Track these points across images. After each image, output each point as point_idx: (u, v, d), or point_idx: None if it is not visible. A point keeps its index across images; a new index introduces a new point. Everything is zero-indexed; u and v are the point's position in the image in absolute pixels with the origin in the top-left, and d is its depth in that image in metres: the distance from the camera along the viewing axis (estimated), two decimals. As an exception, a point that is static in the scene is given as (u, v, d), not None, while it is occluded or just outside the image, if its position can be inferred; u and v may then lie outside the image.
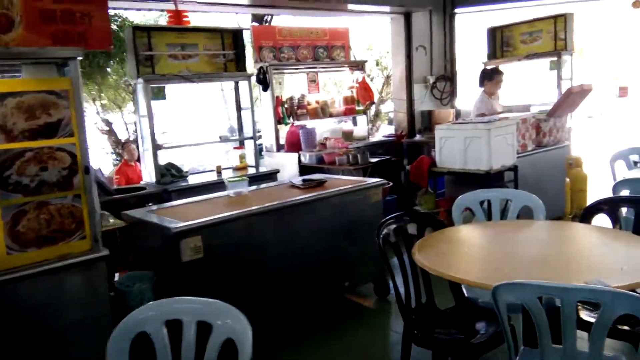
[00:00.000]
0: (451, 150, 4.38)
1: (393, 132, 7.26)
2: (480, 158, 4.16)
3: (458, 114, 6.71)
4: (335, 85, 8.67)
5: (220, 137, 5.12)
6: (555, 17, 6.02)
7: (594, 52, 19.67)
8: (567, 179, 5.25)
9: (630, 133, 7.68)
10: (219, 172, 4.90)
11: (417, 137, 6.50)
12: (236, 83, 5.22)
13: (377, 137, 7.59)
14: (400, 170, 5.90)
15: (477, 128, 4.16)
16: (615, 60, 18.43)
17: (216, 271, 2.90)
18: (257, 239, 3.12)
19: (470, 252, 2.52)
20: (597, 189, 5.26)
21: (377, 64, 9.44)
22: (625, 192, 3.10)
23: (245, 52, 5.16)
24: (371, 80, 9.36)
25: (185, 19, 4.93)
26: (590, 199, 5.63)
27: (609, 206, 2.60)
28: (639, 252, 2.20)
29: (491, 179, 4.24)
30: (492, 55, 6.70)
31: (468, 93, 6.85)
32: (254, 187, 3.85)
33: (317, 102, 6.44)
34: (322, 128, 6.39)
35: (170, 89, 4.69)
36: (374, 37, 9.45)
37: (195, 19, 5.60)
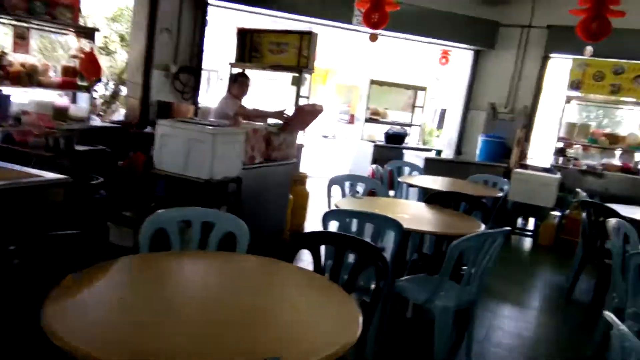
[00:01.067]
0: (172, 151, 3.75)
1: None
2: (202, 165, 3.64)
3: (201, 112, 6.15)
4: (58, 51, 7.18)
5: None
6: (301, 34, 5.99)
7: (336, 78, 21.67)
8: (291, 196, 5.17)
9: (352, 158, 8.31)
10: None
11: (148, 129, 5.68)
12: None
13: (104, 122, 6.46)
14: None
15: (202, 131, 3.62)
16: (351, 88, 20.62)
17: None
18: None
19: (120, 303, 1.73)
20: (318, 208, 5.34)
21: (123, 39, 8.19)
22: (333, 222, 2.94)
23: None
24: (108, 55, 8.09)
25: None
26: (310, 217, 5.76)
27: (310, 242, 2.32)
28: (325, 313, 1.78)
29: (212, 189, 3.76)
30: (240, 58, 6.35)
31: (213, 91, 6.39)
32: None
33: (24, 66, 5.04)
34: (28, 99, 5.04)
35: None
36: (123, 8, 8.21)
37: None
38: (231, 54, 6.39)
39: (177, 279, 2.06)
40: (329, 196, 4.08)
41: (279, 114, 4.97)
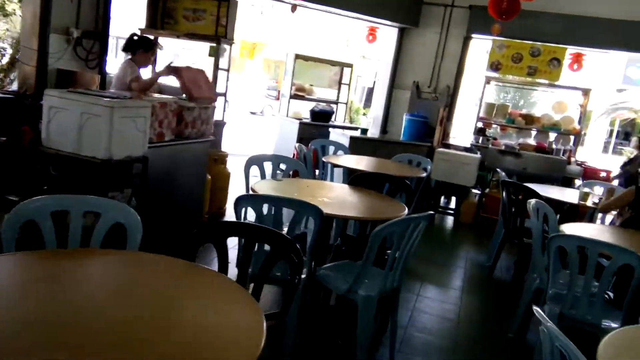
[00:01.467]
0: (63, 126, 3.23)
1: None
2: (97, 143, 3.16)
3: (108, 82, 5.52)
4: None
5: None
6: (219, 0, 5.50)
7: (265, 53, 20.97)
8: (209, 176, 4.77)
9: (276, 136, 7.96)
10: None
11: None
12: None
13: (-6, 91, 5.65)
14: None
15: (97, 103, 3.13)
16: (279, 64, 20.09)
17: None
18: None
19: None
20: (240, 189, 4.99)
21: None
22: (247, 208, 2.62)
23: None
24: (5, 16, 7.13)
25: None
26: (231, 199, 5.38)
27: (215, 235, 1.99)
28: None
29: (112, 170, 3.29)
30: (152, 24, 5.76)
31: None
32: None
33: None
34: None
35: None
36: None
37: None
38: (141, 20, 5.77)
39: (55, 287, 1.55)
40: (246, 178, 3.74)
41: (167, 70, 4.38)
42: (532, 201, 3.42)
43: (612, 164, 9.94)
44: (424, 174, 4.49)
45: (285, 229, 2.78)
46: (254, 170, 3.86)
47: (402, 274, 2.81)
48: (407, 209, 3.01)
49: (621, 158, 11.20)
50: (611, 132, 18.51)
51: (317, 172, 5.18)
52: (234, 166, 5.46)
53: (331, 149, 5.50)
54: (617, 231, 3.55)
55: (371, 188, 3.59)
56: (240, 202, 2.56)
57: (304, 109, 8.09)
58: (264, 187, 3.14)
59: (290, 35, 21.14)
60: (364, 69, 21.33)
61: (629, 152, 9.96)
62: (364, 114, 13.03)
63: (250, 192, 2.94)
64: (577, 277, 2.76)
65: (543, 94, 9.54)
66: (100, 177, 3.25)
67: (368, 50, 20.40)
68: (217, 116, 5.79)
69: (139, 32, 5.62)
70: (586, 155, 8.99)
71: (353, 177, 3.64)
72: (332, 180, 5.03)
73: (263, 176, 3.86)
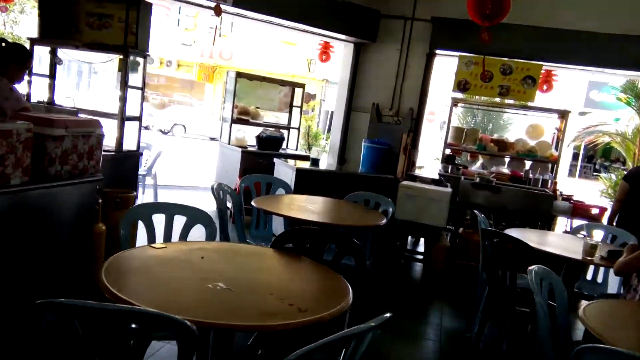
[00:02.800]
0: None
1: None
2: None
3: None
4: None
5: None
6: (128, 3, 4.34)
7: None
8: (103, 227, 3.55)
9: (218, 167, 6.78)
10: None
11: None
12: None
13: None
14: None
15: None
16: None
17: None
18: None
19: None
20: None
21: None
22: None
23: None
24: None
25: None
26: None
27: None
28: None
29: None
30: (47, 32, 4.54)
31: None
32: None
33: None
34: None
35: None
36: None
37: None
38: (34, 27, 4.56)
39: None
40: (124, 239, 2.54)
41: None
42: (534, 269, 2.33)
43: (590, 192, 9.18)
44: (383, 221, 3.38)
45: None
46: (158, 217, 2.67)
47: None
48: (348, 295, 1.87)
49: (593, 183, 10.49)
50: (575, 155, 18.06)
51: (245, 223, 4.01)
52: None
53: (269, 186, 4.33)
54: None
55: (308, 250, 2.45)
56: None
57: (251, 135, 6.97)
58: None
59: (250, 58, 20.15)
60: (328, 92, 20.48)
61: (606, 178, 9.20)
62: (327, 139, 11.89)
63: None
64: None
65: (514, 116, 8.73)
66: None
67: (332, 73, 19.60)
68: (130, 145, 4.60)
69: (29, 45, 4.43)
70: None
71: (279, 236, 2.48)
72: (268, 231, 3.88)
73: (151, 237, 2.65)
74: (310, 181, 4.99)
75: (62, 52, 4.67)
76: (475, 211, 3.94)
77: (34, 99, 4.56)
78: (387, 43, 6.82)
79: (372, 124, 6.57)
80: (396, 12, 6.74)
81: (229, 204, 4.51)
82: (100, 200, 3.60)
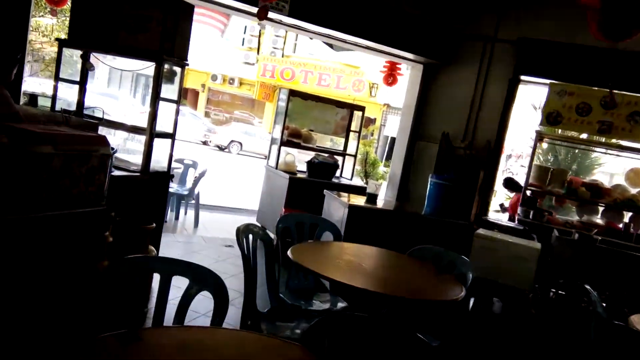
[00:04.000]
0: None
1: None
2: None
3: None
4: None
5: None
6: (165, 4, 3.73)
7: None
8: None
9: (262, 194, 6.07)
10: None
11: None
12: None
13: None
14: None
15: None
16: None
17: None
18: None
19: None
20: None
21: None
22: None
23: None
24: None
25: None
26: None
27: None
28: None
29: None
30: (79, 35, 4.01)
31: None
32: None
33: None
34: None
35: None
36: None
37: None
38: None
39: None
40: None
41: None
42: None
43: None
44: (461, 294, 2.46)
45: None
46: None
47: None
48: None
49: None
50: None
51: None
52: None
53: (315, 228, 3.50)
54: None
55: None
56: None
57: (302, 160, 6.24)
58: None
59: (311, 79, 19.71)
60: (389, 117, 19.59)
61: None
62: (386, 166, 10.85)
63: None
64: None
65: (604, 156, 7.51)
66: None
67: (394, 98, 18.73)
68: (159, 162, 3.96)
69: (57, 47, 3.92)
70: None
71: (312, 326, 1.64)
72: (309, 282, 3.03)
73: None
74: (365, 221, 4.13)
75: (94, 58, 4.13)
76: (587, 287, 2.90)
77: (58, 107, 4.03)
78: (461, 65, 5.91)
79: (441, 156, 5.64)
80: (474, 30, 5.84)
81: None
82: (107, 234, 2.93)
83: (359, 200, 4.52)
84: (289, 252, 2.60)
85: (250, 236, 2.67)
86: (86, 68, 4.00)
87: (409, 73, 6.24)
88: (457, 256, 2.96)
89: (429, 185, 5.01)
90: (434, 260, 3.01)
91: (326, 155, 6.17)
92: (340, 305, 2.93)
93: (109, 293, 1.99)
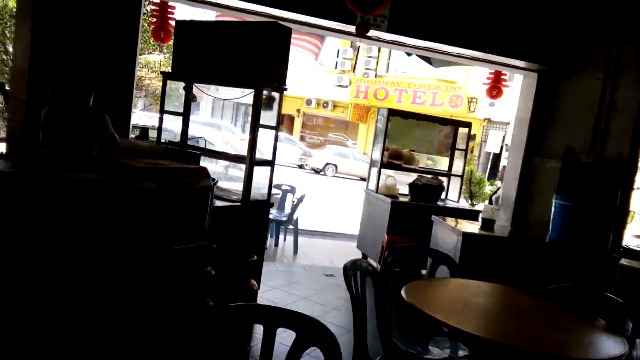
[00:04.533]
0: None
1: None
2: None
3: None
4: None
5: None
6: (263, 29, 3.64)
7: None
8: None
9: (362, 218, 5.78)
10: None
11: None
12: None
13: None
14: None
15: None
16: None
17: None
18: None
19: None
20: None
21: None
22: None
23: None
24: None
25: None
26: None
27: None
28: None
29: None
30: (183, 66, 4.08)
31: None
32: None
33: None
34: None
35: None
36: None
37: None
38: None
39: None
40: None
41: None
42: None
43: None
44: (623, 350, 1.96)
45: None
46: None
47: None
48: None
49: None
50: None
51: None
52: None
53: (426, 260, 3.14)
54: None
55: None
56: None
57: (403, 182, 5.89)
58: None
59: (405, 98, 19.27)
60: (490, 133, 18.47)
61: None
62: (494, 187, 10.00)
63: None
64: None
65: None
66: None
67: (495, 112, 17.66)
68: (259, 190, 3.85)
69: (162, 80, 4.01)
70: None
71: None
72: (424, 325, 2.67)
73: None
74: (481, 251, 3.67)
75: (197, 89, 4.17)
76: None
77: (164, 138, 4.10)
78: (583, 71, 5.23)
79: (564, 174, 4.97)
80: (597, 32, 5.15)
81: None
82: (209, 268, 2.82)
83: (473, 227, 4.06)
84: (402, 292, 2.27)
85: (358, 274, 2.39)
86: (189, 99, 4.04)
87: (521, 83, 5.66)
88: (609, 297, 2.43)
89: (553, 208, 4.40)
90: (578, 302, 2.50)
91: (429, 176, 5.76)
92: (462, 353, 2.53)
93: (211, 334, 1.82)
